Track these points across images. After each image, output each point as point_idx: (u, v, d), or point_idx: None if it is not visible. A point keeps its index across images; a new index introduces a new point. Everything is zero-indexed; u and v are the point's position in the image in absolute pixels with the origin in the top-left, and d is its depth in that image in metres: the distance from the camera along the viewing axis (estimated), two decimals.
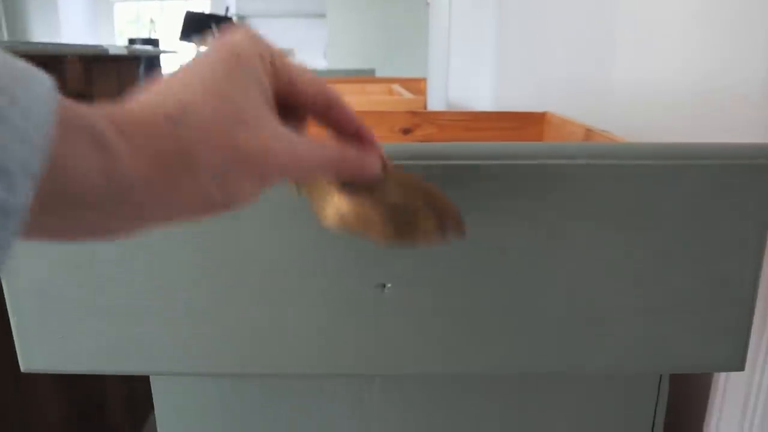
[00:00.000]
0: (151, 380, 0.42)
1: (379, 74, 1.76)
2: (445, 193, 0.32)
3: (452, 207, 0.32)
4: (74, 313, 0.37)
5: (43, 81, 0.17)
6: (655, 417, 0.42)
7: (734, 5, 0.51)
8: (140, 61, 1.40)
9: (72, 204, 0.18)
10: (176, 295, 0.36)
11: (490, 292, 0.36)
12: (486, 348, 0.37)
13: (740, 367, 0.37)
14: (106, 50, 1.18)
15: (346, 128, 0.29)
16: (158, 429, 0.43)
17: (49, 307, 0.37)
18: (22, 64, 0.17)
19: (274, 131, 0.24)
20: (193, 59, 0.24)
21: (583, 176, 0.34)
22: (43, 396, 0.82)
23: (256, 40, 0.25)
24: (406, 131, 0.72)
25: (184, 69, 0.24)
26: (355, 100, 0.89)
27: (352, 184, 0.31)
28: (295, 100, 0.27)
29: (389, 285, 0.36)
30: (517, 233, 0.35)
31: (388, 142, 0.71)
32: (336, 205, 0.31)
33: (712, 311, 0.36)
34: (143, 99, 0.22)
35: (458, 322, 0.36)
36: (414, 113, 0.71)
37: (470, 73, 1.53)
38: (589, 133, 0.56)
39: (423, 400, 0.42)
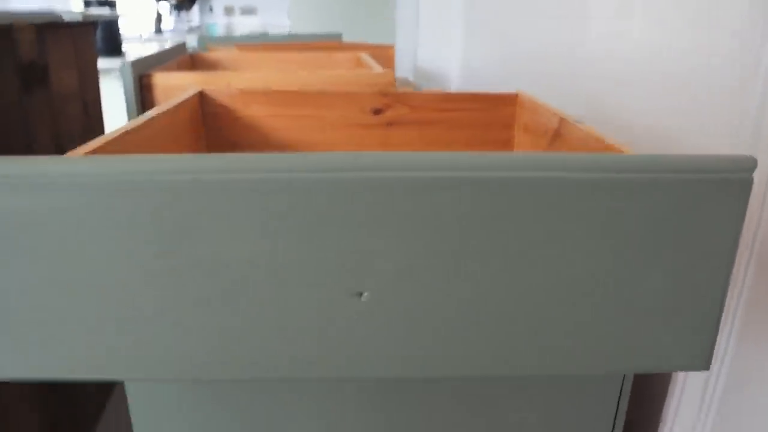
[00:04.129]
0: (125, 386, 0.41)
1: (345, 38, 1.72)
2: (419, 202, 0.32)
3: None
4: (45, 321, 0.36)
5: None
6: (616, 415, 0.43)
7: None
8: (96, 26, 1.34)
9: None
10: (149, 301, 0.35)
11: (465, 299, 0.36)
12: (459, 352, 0.37)
13: (706, 367, 0.39)
14: (60, 16, 1.13)
15: None
16: None
17: (17, 315, 0.36)
18: None
19: None
20: None
21: (558, 188, 0.34)
22: None
23: None
24: (377, 112, 0.71)
25: None
26: (320, 76, 0.87)
27: None
28: None
29: (366, 293, 0.35)
30: (492, 243, 0.35)
31: (358, 123, 0.70)
32: None
33: (682, 314, 0.37)
34: None
35: (432, 328, 0.36)
36: (385, 94, 0.70)
37: (439, 39, 1.51)
38: (562, 122, 0.56)
39: (395, 403, 0.43)
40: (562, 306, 0.36)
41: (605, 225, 0.35)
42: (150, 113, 0.54)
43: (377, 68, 0.92)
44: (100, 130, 1.20)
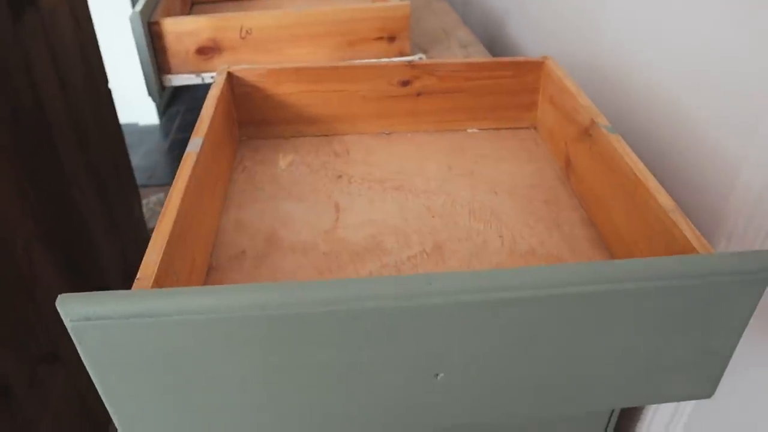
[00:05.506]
0: None
1: None
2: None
3: None
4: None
5: None
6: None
7: None
8: None
9: None
10: (248, 393, 0.42)
11: (519, 370, 0.43)
12: (507, 404, 0.45)
13: (710, 395, 0.48)
14: None
15: None
16: None
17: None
18: None
19: None
20: None
21: (601, 299, 0.39)
22: None
23: None
24: (405, 83, 0.72)
25: None
26: (333, 8, 0.85)
27: None
28: None
29: (441, 374, 0.43)
30: (544, 338, 0.41)
31: (387, 95, 0.71)
32: None
33: (698, 367, 0.45)
34: None
35: (490, 395, 0.44)
36: (412, 65, 0.70)
37: None
38: (593, 125, 0.58)
39: None
40: (605, 368, 0.44)
41: (645, 317, 0.41)
42: (196, 141, 0.55)
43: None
44: (93, 44, 1.15)
